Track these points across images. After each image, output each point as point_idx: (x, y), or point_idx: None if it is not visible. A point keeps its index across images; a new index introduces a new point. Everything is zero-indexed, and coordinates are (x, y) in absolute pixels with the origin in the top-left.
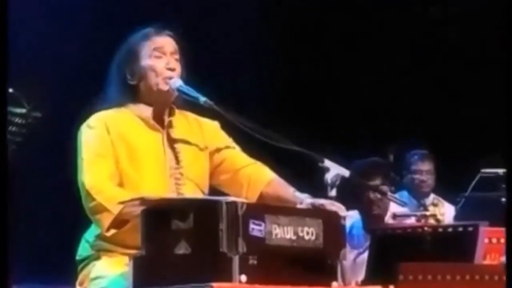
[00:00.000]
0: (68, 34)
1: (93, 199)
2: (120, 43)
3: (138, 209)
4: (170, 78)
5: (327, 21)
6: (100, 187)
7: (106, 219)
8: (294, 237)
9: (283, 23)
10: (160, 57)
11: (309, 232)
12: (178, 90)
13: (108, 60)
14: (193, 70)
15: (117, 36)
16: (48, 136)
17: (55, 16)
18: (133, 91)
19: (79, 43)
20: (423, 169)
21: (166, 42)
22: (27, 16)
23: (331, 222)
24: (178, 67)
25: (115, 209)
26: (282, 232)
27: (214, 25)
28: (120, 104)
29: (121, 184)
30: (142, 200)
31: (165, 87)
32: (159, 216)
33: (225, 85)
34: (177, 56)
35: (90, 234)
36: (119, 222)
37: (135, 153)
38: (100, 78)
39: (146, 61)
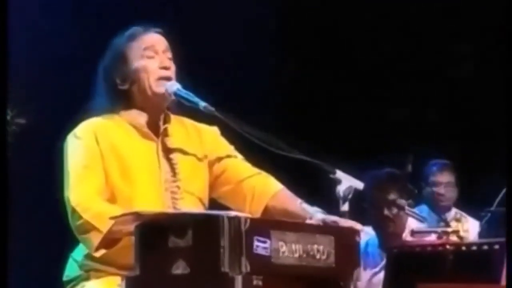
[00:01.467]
0: (54, 36)
1: (80, 217)
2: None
3: (131, 226)
4: (166, 77)
5: (338, 22)
6: (88, 204)
7: (95, 239)
8: (303, 256)
9: (295, 21)
10: (152, 56)
11: (320, 250)
12: (175, 94)
13: (97, 64)
14: (190, 72)
15: (107, 38)
16: (32, 145)
17: (39, 19)
18: (124, 97)
19: (67, 46)
20: (442, 181)
21: (156, 40)
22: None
23: (344, 239)
24: (172, 65)
25: (105, 227)
26: (290, 250)
27: (214, 23)
28: (110, 111)
29: (112, 199)
30: (136, 215)
31: (160, 90)
32: (154, 233)
33: (226, 89)
34: (169, 54)
35: (78, 253)
36: (109, 241)
37: (127, 165)
38: (90, 83)
39: (137, 62)
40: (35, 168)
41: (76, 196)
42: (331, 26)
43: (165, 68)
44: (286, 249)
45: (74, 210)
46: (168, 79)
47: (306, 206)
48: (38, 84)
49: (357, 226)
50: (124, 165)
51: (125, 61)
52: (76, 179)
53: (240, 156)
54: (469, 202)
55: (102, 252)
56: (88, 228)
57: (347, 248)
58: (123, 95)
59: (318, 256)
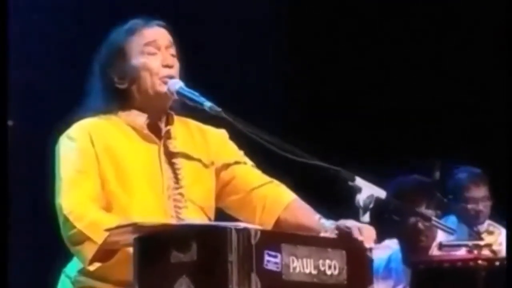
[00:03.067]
0: (43, 30)
1: (73, 226)
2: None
3: (129, 238)
4: (169, 76)
5: (339, 21)
6: (82, 212)
7: (89, 250)
8: (314, 272)
9: (304, 20)
10: (154, 53)
11: (331, 266)
12: (178, 93)
13: (90, 60)
14: (196, 70)
15: (101, 33)
16: (20, 149)
17: (26, 15)
18: (122, 96)
19: (57, 41)
20: (478, 196)
21: (159, 35)
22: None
23: (357, 254)
24: (176, 63)
25: (100, 238)
26: (301, 266)
27: (222, 18)
28: (106, 111)
29: (108, 208)
30: (134, 227)
31: (163, 89)
32: (155, 247)
33: (234, 88)
34: (173, 51)
35: (72, 268)
36: (104, 254)
37: (125, 170)
38: (84, 80)
39: (136, 59)
40: (24, 171)
41: (69, 203)
42: (334, 24)
43: (168, 66)
44: (298, 265)
45: (66, 219)
46: (171, 78)
47: (324, 221)
48: (27, 85)
49: (370, 235)
50: (121, 170)
51: (123, 58)
52: (69, 184)
53: (250, 163)
54: (503, 213)
55: (96, 265)
56: (82, 238)
57: (359, 263)
58: (121, 94)
59: (329, 272)
